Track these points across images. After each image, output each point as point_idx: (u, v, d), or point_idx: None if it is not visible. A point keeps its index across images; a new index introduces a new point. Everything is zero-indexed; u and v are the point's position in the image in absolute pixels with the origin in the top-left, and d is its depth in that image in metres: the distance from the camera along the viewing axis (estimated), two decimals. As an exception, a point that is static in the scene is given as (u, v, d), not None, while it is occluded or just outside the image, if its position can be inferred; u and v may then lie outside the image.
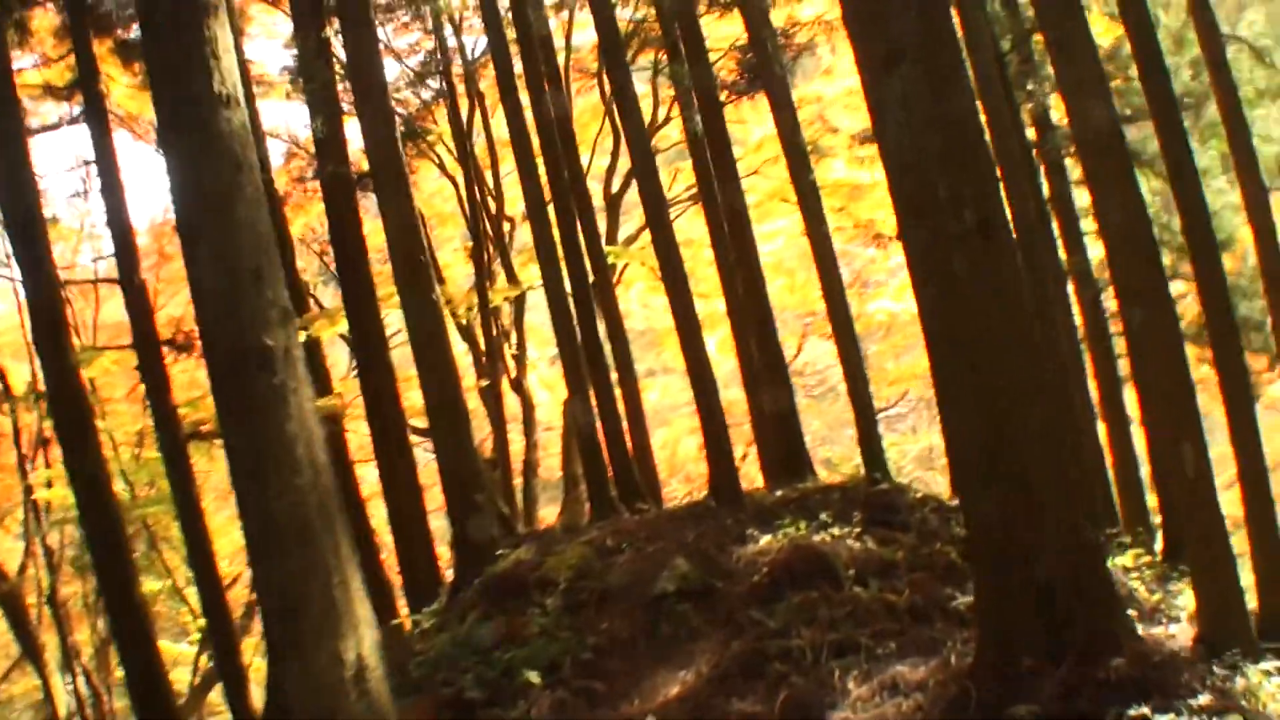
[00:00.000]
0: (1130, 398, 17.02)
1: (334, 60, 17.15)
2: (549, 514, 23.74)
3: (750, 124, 21.48)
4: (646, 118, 19.37)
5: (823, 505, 12.80)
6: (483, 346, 22.24)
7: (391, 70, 22.68)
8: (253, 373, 5.92)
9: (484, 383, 22.11)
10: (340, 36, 16.13)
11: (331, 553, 5.97)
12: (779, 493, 13.68)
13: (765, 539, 11.57)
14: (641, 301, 25.04)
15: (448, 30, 22.23)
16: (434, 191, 24.90)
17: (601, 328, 17.03)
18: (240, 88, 6.52)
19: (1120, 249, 11.08)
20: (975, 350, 8.48)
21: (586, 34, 23.35)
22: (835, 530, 11.74)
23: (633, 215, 24.94)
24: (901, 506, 13.06)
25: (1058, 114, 17.72)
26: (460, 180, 22.34)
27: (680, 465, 24.74)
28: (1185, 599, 12.52)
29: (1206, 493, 10.96)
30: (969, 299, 8.42)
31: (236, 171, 6.27)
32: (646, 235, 23.17)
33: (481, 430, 23.67)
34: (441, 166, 23.34)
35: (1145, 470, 16.49)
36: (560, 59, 20.86)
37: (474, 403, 23.37)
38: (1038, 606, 8.35)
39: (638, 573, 11.38)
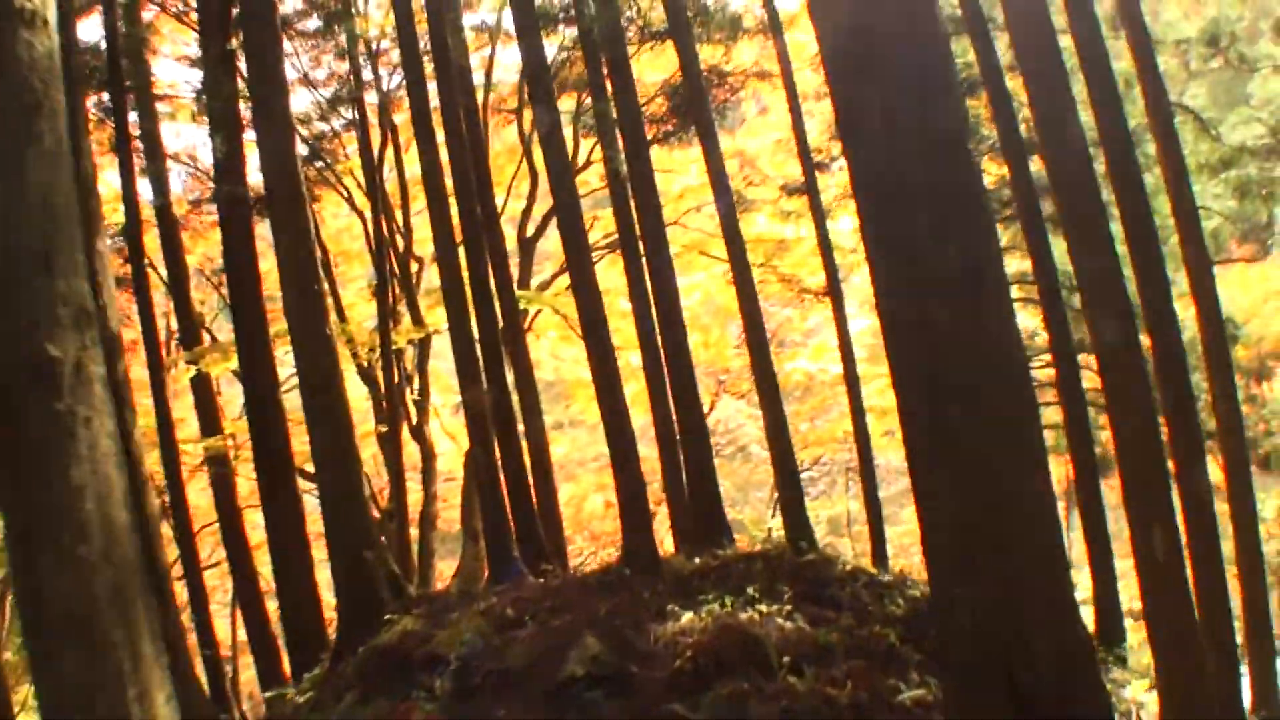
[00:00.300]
0: (1058, 472, 15.72)
1: (239, 76, 15.26)
2: (448, 567, 21.72)
3: (673, 174, 19.88)
4: (566, 160, 17.66)
5: (746, 576, 11.10)
6: (383, 390, 20.20)
7: (305, 100, 20.86)
8: (28, 393, 4.01)
9: (383, 429, 20.07)
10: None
11: (127, 655, 4.04)
12: (697, 560, 11.89)
13: (687, 616, 9.77)
14: (552, 351, 23.25)
15: (365, 59, 20.35)
16: (342, 228, 22.97)
17: (509, 376, 15.24)
18: (54, 6, 4.61)
19: (1094, 307, 9.63)
20: (954, 418, 6.79)
21: (505, 74, 21.75)
22: (763, 606, 10.02)
23: (544, 267, 23.23)
24: (831, 580, 11.41)
25: (990, 177, 16.44)
26: (368, 214, 20.39)
27: (586, 522, 22.87)
28: (1133, 690, 11.19)
29: (1178, 581, 9.51)
30: (951, 356, 6.73)
31: (32, 114, 4.38)
32: (560, 283, 21.49)
33: (380, 479, 21.69)
34: (350, 201, 21.42)
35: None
36: (479, 96, 19.15)
37: (372, 449, 21.38)
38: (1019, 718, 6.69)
39: (541, 651, 9.51)
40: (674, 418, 13.89)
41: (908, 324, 6.89)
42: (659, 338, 13.95)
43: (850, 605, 10.75)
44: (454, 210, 14.86)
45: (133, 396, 13.68)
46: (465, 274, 14.62)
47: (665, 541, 15.01)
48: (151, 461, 18.41)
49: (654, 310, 13.98)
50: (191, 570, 16.86)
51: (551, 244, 24.02)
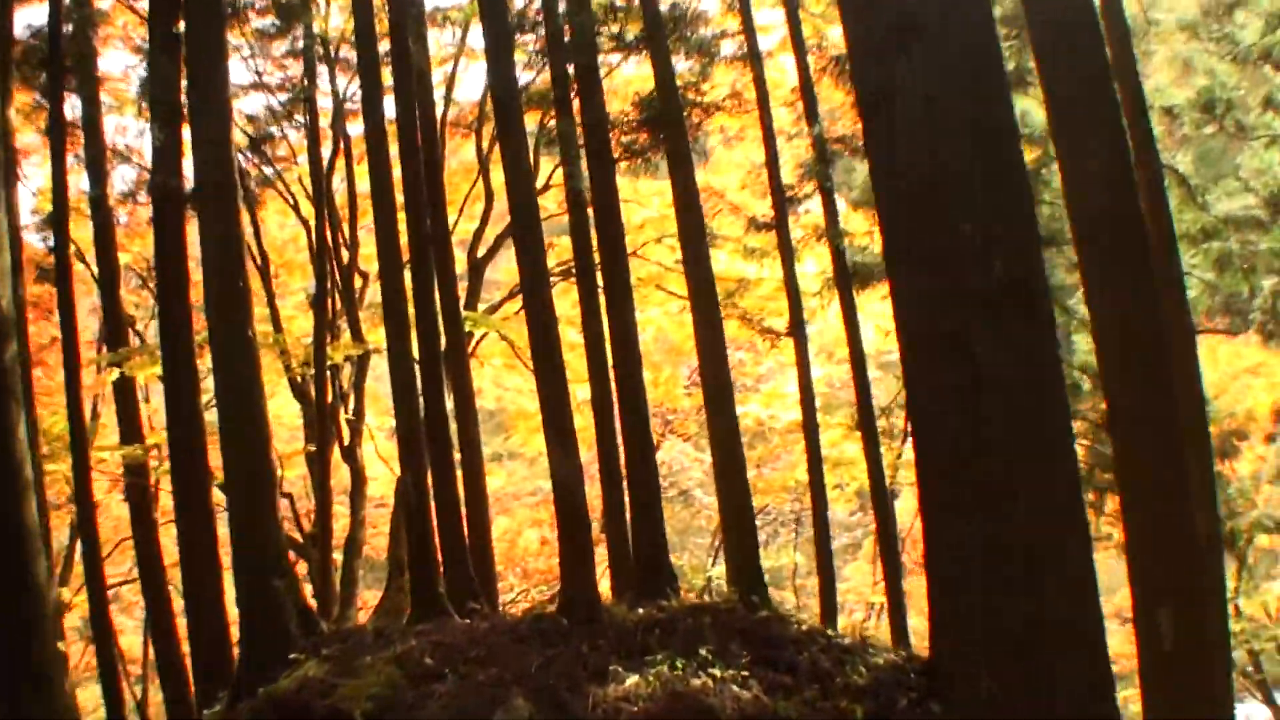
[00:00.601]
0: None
1: (183, 63, 13.59)
2: (374, 596, 19.89)
3: (633, 204, 18.37)
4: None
5: (695, 633, 9.52)
6: (315, 407, 18.39)
7: (258, 102, 19.24)
8: None
9: (311, 448, 18.24)
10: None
11: None
12: (641, 610, 10.29)
13: (632, 679, 8.15)
14: (495, 379, 21.56)
15: (321, 60, 18.71)
16: (288, 239, 21.22)
17: (449, 401, 13.66)
18: None
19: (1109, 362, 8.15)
20: (990, 467, 5.31)
21: (464, 92, 20.23)
22: (717, 671, 8.43)
23: (493, 295, 21.58)
24: (787, 641, 9.83)
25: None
26: (314, 224, 18.66)
27: (520, 559, 21.12)
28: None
29: (1184, 671, 8.05)
30: (990, 389, 5.26)
31: None
32: (508, 308, 19.91)
33: (308, 500, 19.90)
34: (296, 208, 19.71)
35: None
36: (439, 109, 17.63)
37: (301, 469, 19.61)
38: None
39: (461, 712, 7.86)
40: (621, 456, 12.39)
41: (937, 350, 5.41)
42: (612, 371, 12.47)
43: (809, 672, 9.20)
44: (403, 225, 13.42)
45: (32, 390, 12.00)
46: (410, 291, 13.17)
47: (602, 585, 13.41)
48: (67, 468, 16.63)
49: (608, 341, 12.53)
50: (95, 587, 15.02)
51: (500, 272, 22.46)
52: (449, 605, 11.82)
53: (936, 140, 5.33)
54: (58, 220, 15.02)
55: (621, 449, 12.43)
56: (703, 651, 8.68)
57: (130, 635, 24.06)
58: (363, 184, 18.03)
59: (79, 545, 19.76)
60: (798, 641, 9.88)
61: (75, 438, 14.57)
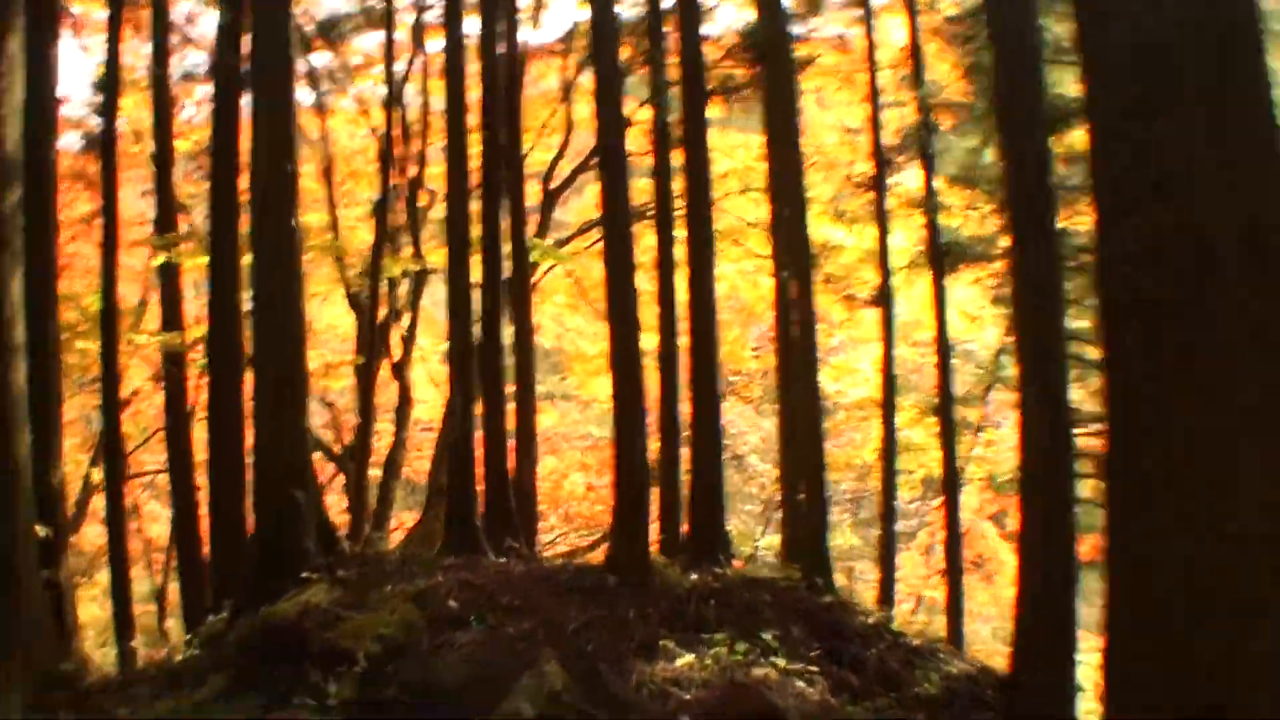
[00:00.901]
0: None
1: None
2: (410, 519, 18.59)
3: (716, 152, 16.80)
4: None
5: (753, 610, 8.18)
6: (368, 319, 17.02)
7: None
8: None
9: (360, 359, 16.90)
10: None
11: None
12: (694, 576, 8.93)
13: (685, 658, 6.75)
14: (556, 317, 20.11)
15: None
16: (356, 150, 19.78)
17: (507, 332, 12.40)
18: None
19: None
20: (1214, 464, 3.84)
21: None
22: (781, 660, 7.03)
23: (560, 234, 20.08)
24: (853, 634, 8.45)
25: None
26: (382, 130, 17.24)
27: (564, 500, 19.68)
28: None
29: None
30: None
31: None
32: (577, 244, 18.44)
33: (354, 415, 18.57)
34: (366, 116, 18.35)
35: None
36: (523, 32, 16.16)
37: (348, 379, 18.25)
38: None
39: (483, 668, 6.49)
40: (684, 412, 11.06)
41: (1149, 315, 3.93)
42: (685, 323, 11.13)
43: (877, 672, 7.81)
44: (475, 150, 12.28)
45: (56, 254, 10.85)
46: (476, 214, 12.15)
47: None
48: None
49: (684, 292, 11.20)
50: (112, 467, 13.86)
51: (570, 213, 20.98)
52: (484, 541, 10.65)
53: (1164, 16, 3.85)
54: (109, 88, 13.81)
55: (687, 405, 11.14)
56: (766, 636, 7.29)
57: (163, 524, 23.00)
58: (437, 102, 16.69)
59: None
60: (864, 635, 8.50)
61: (106, 316, 13.41)
